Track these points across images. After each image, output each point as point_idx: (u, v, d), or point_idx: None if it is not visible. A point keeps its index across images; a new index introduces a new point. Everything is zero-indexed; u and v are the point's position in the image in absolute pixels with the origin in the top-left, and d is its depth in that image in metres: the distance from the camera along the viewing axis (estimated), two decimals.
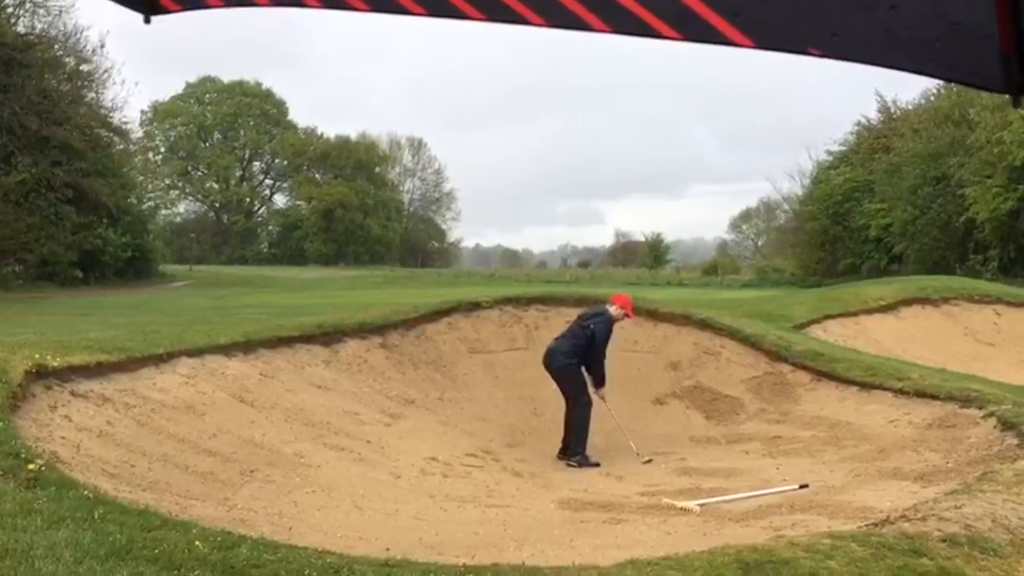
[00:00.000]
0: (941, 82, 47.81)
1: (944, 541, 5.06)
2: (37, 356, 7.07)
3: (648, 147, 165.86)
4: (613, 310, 9.95)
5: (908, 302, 17.64)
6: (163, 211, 76.81)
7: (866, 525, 5.56)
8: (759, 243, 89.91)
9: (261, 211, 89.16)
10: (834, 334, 15.11)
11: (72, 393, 6.94)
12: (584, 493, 7.86)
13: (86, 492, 4.63)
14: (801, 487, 7.51)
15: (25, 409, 6.21)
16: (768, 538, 5.36)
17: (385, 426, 9.45)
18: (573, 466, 9.17)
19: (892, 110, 56.72)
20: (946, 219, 43.89)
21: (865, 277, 37.17)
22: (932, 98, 51.70)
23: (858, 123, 58.33)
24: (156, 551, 3.94)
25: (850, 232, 51.84)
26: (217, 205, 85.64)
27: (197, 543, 4.10)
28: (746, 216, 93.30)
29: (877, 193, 50.62)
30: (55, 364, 7.11)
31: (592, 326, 9.84)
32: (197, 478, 6.53)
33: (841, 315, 16.32)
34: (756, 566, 4.54)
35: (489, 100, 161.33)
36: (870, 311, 16.86)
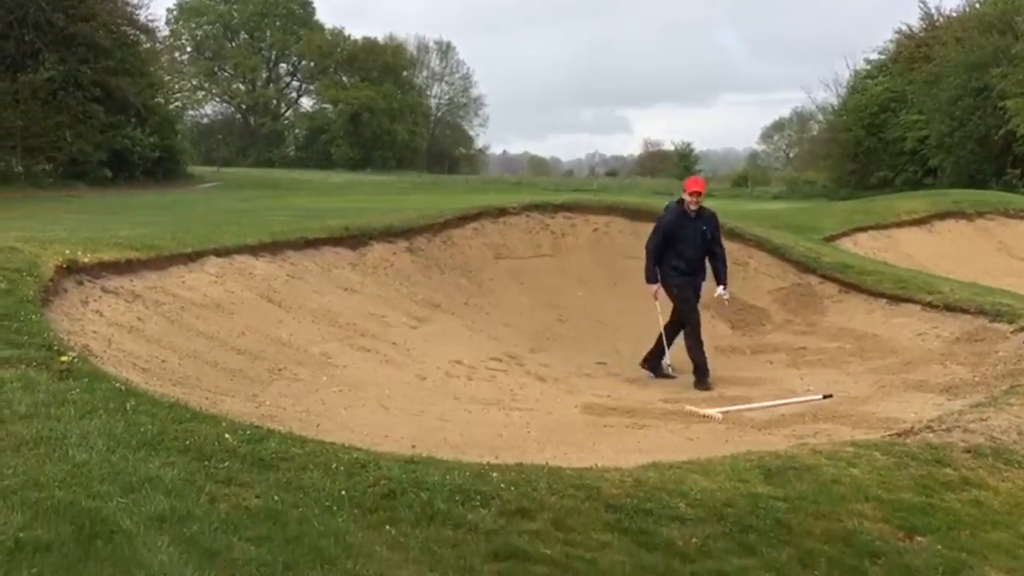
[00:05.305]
0: None
1: (968, 452, 5.07)
2: (68, 252, 7.12)
3: (677, 53, 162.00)
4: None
5: (941, 216, 17.40)
6: (190, 112, 76.52)
7: (890, 435, 5.57)
8: (791, 155, 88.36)
9: (288, 114, 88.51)
10: (865, 247, 14.95)
11: (103, 289, 7.01)
12: (607, 399, 7.92)
13: (118, 384, 4.69)
14: (825, 397, 7.52)
15: (57, 304, 6.29)
16: (790, 445, 5.39)
17: (411, 329, 9.52)
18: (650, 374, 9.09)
19: (935, 17, 54.78)
20: (985, 132, 42.78)
21: (899, 191, 36.48)
22: (977, 5, 49.82)
23: (899, 30, 56.47)
24: (187, 442, 4.01)
25: (885, 144, 50.71)
26: (244, 107, 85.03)
27: (227, 436, 4.17)
28: (778, 126, 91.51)
29: (915, 104, 49.31)
30: (86, 260, 7.16)
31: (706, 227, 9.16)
32: (226, 375, 6.62)
33: (872, 228, 16.14)
34: (778, 472, 4.57)
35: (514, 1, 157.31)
36: (902, 224, 16.66)
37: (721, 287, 9.17)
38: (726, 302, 9.27)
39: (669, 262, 9.16)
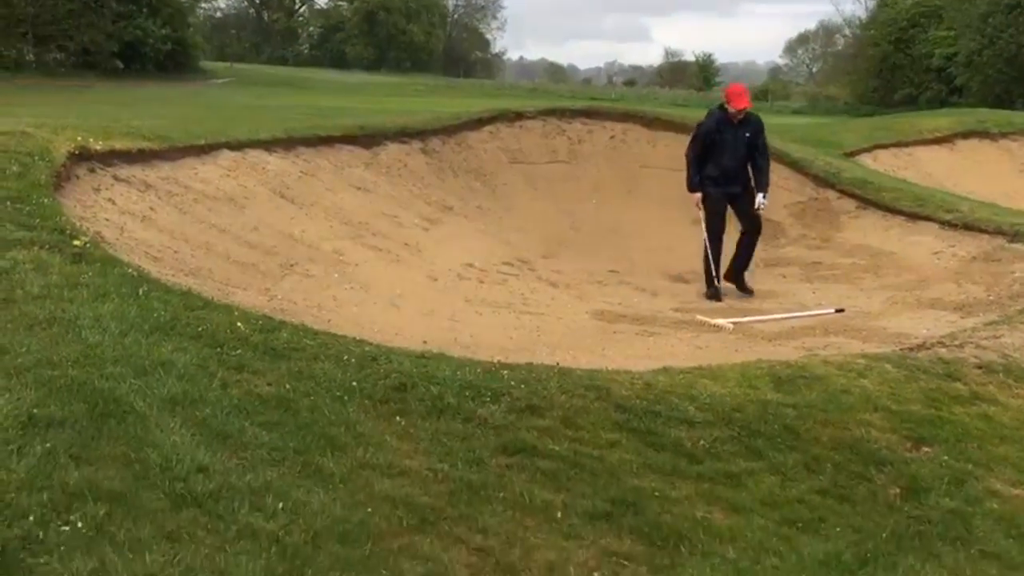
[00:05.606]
0: None
1: (980, 368, 5.06)
2: (80, 139, 7.04)
3: None
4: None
5: (965, 135, 17.07)
6: (203, 4, 75.02)
7: (901, 349, 5.56)
8: (813, 69, 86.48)
9: (302, 10, 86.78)
10: (885, 164, 14.71)
11: (115, 177, 6.96)
12: (618, 306, 7.92)
13: (130, 270, 4.68)
14: (837, 311, 7.50)
15: (69, 189, 6.24)
16: (801, 356, 5.39)
17: (423, 230, 9.48)
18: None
19: None
20: (1015, 51, 41.77)
21: (922, 109, 35.79)
22: None
23: None
24: (199, 329, 4.02)
25: (912, 60, 49.59)
26: (258, 1, 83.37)
27: (239, 324, 4.17)
28: (803, 39, 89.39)
29: (945, 20, 48.03)
30: (98, 148, 7.09)
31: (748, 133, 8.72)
32: (238, 268, 6.62)
33: (894, 145, 15.84)
34: (788, 380, 4.57)
35: None
36: (924, 142, 16.36)
37: (760, 195, 8.79)
38: (761, 211, 8.94)
39: (705, 170, 8.76)
